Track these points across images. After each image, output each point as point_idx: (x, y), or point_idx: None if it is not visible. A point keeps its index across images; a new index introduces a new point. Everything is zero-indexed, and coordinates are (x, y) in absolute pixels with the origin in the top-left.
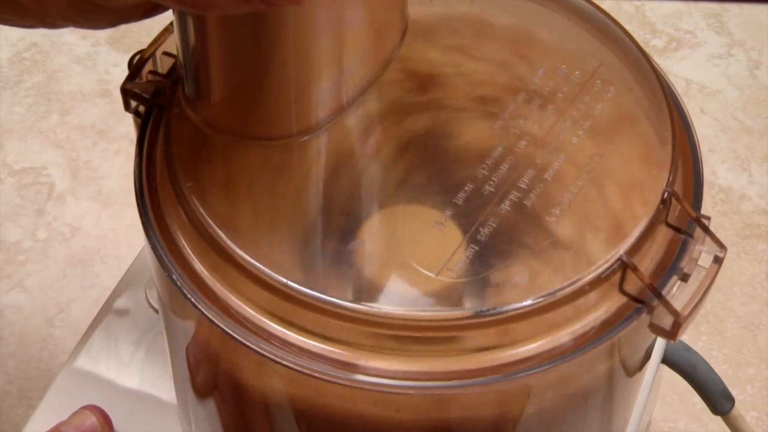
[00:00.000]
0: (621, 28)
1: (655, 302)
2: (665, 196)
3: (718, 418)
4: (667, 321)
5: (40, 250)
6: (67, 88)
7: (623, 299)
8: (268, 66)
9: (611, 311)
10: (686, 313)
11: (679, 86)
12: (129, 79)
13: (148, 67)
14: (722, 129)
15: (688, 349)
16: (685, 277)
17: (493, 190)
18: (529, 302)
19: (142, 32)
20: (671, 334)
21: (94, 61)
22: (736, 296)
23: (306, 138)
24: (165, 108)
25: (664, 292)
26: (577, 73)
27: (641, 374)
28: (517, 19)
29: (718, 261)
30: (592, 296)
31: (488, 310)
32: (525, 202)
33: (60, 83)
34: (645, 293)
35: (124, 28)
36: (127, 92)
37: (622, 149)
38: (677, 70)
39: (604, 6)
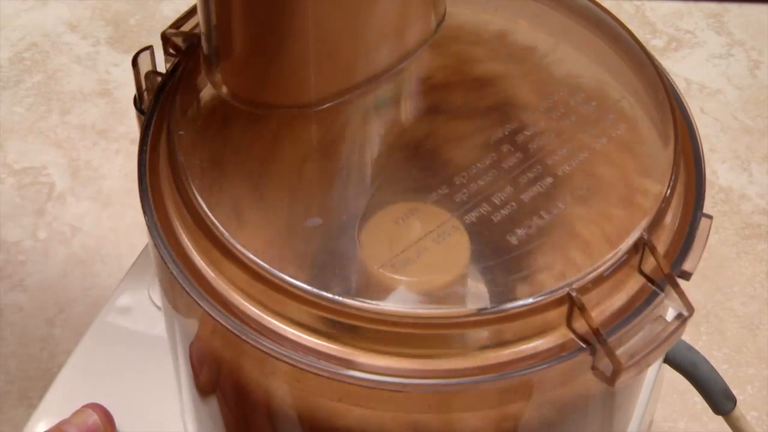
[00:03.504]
0: (625, 28)
1: (599, 346)
2: (638, 242)
3: (719, 418)
4: (608, 367)
5: (41, 250)
6: (67, 88)
7: (625, 295)
8: (287, 31)
9: (613, 308)
10: (629, 363)
11: (679, 86)
12: (137, 75)
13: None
14: (722, 129)
15: (689, 348)
16: (642, 326)
17: (494, 189)
18: (530, 301)
19: (142, 32)
20: (610, 380)
21: (94, 61)
22: (736, 296)
23: (317, 109)
24: (193, 65)
25: (616, 336)
26: (581, 74)
27: (643, 373)
28: (520, 20)
29: (680, 318)
30: (594, 295)
31: (489, 308)
32: (525, 202)
33: (60, 83)
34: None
35: (124, 28)
36: (166, 39)
37: (624, 150)
38: (677, 70)
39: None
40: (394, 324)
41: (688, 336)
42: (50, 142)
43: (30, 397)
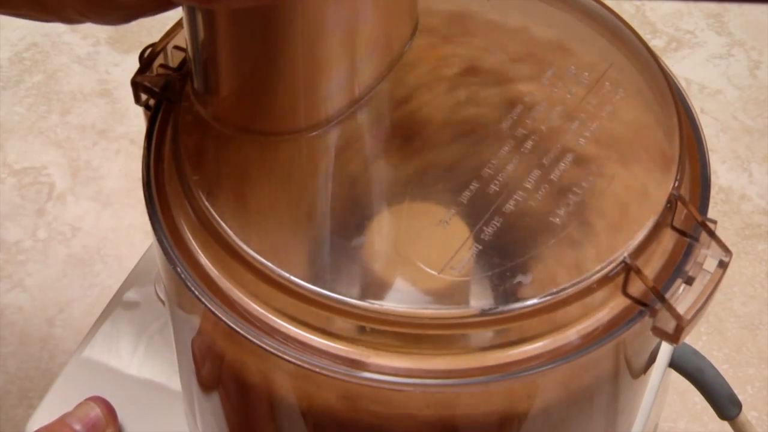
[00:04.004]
0: (630, 29)
1: (659, 305)
2: (671, 199)
3: (719, 418)
4: (669, 324)
5: (41, 250)
6: (67, 88)
7: (628, 300)
8: (276, 61)
9: (616, 311)
10: (689, 317)
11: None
12: (140, 72)
13: (159, 60)
14: (722, 129)
15: (695, 353)
16: (689, 281)
17: (498, 189)
18: (534, 301)
19: (142, 32)
20: (674, 337)
21: (94, 61)
22: (736, 296)
23: (314, 133)
24: (174, 102)
25: (667, 296)
26: (586, 74)
27: (646, 376)
28: (527, 19)
29: (722, 266)
30: (598, 296)
31: (494, 308)
32: (530, 202)
33: (60, 83)
34: (649, 296)
35: (124, 28)
36: (137, 85)
37: (630, 151)
38: (677, 70)
39: None
40: (406, 324)
41: (687, 336)
42: (50, 142)
43: (30, 397)
